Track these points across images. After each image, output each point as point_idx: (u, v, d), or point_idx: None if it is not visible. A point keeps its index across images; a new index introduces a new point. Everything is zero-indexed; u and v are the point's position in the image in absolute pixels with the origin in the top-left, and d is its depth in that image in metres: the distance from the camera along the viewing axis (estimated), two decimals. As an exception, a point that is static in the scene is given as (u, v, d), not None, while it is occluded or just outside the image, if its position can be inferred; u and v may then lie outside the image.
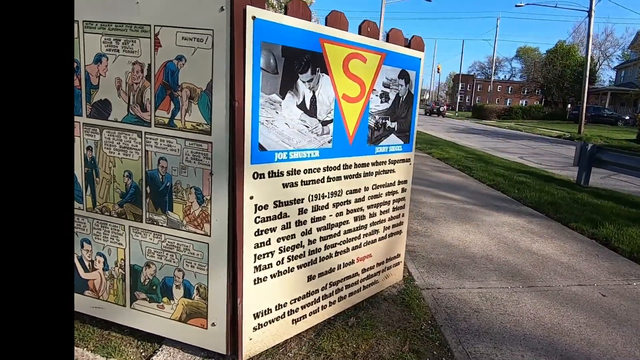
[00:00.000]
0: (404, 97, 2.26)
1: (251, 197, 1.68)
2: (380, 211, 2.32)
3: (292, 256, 1.89)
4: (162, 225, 1.79)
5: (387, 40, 2.13)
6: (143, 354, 1.89)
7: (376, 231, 2.33)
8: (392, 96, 2.18)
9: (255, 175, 1.67)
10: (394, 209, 2.43)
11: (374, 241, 2.33)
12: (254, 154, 1.65)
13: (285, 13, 1.69)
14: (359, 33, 1.98)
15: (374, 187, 2.23)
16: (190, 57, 1.60)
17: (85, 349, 1.89)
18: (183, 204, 1.73)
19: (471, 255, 3.28)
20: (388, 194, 2.34)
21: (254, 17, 1.53)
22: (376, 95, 2.09)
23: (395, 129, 2.26)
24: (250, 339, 1.81)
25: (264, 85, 1.62)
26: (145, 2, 1.63)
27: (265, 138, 1.68)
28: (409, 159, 2.44)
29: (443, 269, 2.95)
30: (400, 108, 2.26)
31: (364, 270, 2.32)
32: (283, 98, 1.70)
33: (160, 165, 1.77)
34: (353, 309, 2.31)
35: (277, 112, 1.70)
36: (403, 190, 2.46)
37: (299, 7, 1.69)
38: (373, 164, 2.18)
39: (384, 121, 2.17)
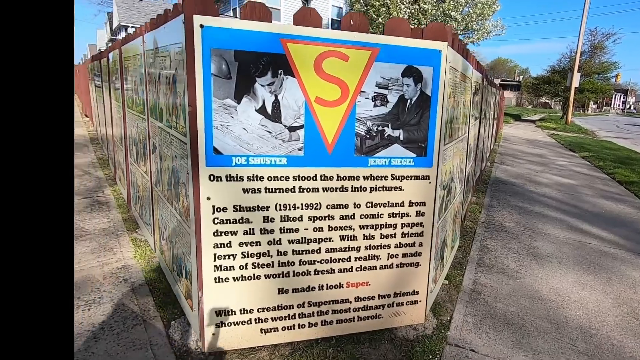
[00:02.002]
0: (414, 99, 2.09)
1: (208, 198, 1.99)
2: (382, 234, 2.22)
3: (258, 264, 2.11)
4: (176, 212, 2.41)
5: (384, 32, 2.04)
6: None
7: (376, 257, 2.24)
8: (392, 99, 2.06)
9: (212, 177, 1.97)
10: (405, 235, 2.26)
11: (372, 268, 2.25)
12: (209, 157, 1.95)
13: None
14: (340, 28, 1.99)
15: (369, 205, 2.16)
16: (177, 68, 2.08)
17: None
18: (181, 196, 2.28)
19: (561, 320, 2.71)
20: (393, 215, 2.22)
21: (201, 25, 1.81)
22: (366, 98, 2.02)
23: (401, 138, 2.12)
24: (213, 334, 2.15)
25: (216, 90, 1.89)
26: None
27: (221, 142, 1.95)
28: (428, 175, 2.23)
29: (500, 327, 2.57)
30: (408, 113, 2.10)
31: (358, 299, 2.27)
32: (239, 102, 1.92)
33: (174, 161, 2.38)
34: (345, 338, 2.34)
35: (232, 117, 1.93)
36: (419, 214, 2.26)
37: (253, 9, 1.87)
38: (366, 178, 2.12)
39: (380, 128, 2.07)
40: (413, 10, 17.82)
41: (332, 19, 25.49)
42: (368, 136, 2.09)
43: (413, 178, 2.23)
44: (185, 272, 2.37)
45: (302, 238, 2.15)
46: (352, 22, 1.97)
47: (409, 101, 2.10)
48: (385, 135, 2.10)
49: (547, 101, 56.60)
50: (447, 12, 17.79)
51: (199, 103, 1.92)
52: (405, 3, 17.83)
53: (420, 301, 2.43)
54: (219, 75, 1.90)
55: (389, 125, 2.10)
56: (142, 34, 3.09)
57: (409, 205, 2.26)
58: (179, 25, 1.93)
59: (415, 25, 17.83)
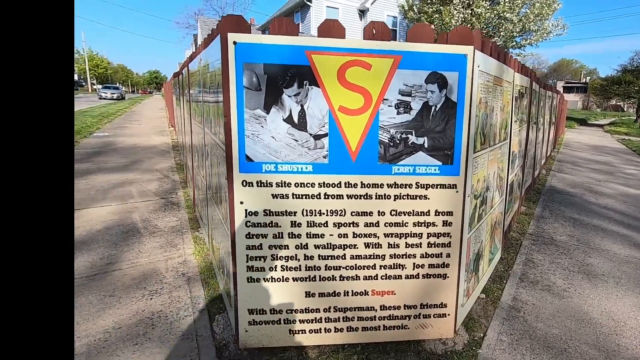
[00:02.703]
0: (439, 106, 2.03)
1: (241, 202, 2.08)
2: (407, 244, 2.17)
3: (286, 267, 2.15)
4: (221, 214, 2.52)
5: (407, 40, 2.01)
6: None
7: (401, 266, 2.19)
8: (416, 106, 2.01)
9: (244, 183, 2.06)
10: (431, 245, 2.19)
11: (397, 277, 2.20)
12: (241, 164, 2.03)
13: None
14: (364, 37, 1.99)
15: (394, 213, 2.12)
16: (219, 82, 2.15)
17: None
18: (223, 200, 2.37)
19: (612, 348, 2.42)
20: (418, 224, 2.16)
21: (234, 42, 1.92)
22: (389, 106, 2.00)
23: (425, 146, 2.06)
24: (246, 331, 2.22)
25: (248, 102, 1.97)
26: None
27: (252, 150, 2.03)
28: (455, 184, 2.14)
29: (538, 350, 2.36)
30: (433, 120, 2.04)
31: (383, 308, 2.23)
32: (268, 113, 1.99)
33: (218, 167, 2.46)
34: (372, 346, 2.29)
35: (262, 126, 2.00)
36: (446, 223, 2.18)
37: (281, 24, 1.95)
38: (390, 186, 2.09)
39: (404, 136, 2.03)
40: (466, 15, 17.08)
41: (390, 29, 25.21)
42: (391, 144, 2.01)
43: (439, 187, 2.15)
44: (226, 270, 2.45)
45: (327, 244, 2.17)
46: (374, 31, 1.93)
47: (433, 108, 2.00)
48: (409, 142, 2.00)
49: (618, 103, 51.25)
50: (501, 14, 16.87)
51: (233, 114, 1.97)
52: (457, 8, 17.11)
53: (448, 314, 2.33)
54: (250, 87, 1.93)
55: (413, 132, 2.02)
56: (199, 53, 3.19)
57: (435, 215, 2.18)
58: (218, 43, 2.00)
59: None
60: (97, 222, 4.34)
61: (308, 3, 23.41)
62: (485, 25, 17.23)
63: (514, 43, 18.26)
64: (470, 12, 16.98)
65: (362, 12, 24.85)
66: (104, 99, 38.26)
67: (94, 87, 65.54)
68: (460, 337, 2.42)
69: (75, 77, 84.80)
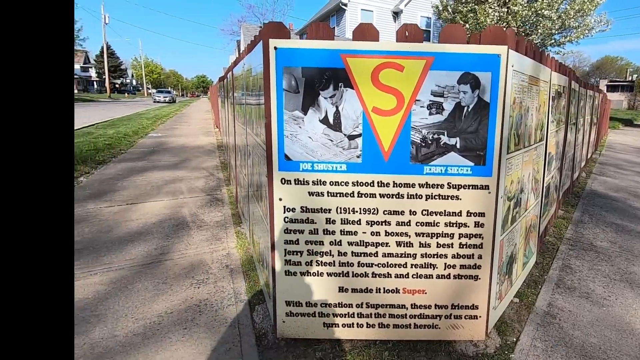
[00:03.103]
0: (471, 106, 1.95)
1: (280, 199, 2.12)
2: (438, 243, 2.11)
3: (321, 261, 2.17)
4: (261, 210, 2.58)
5: (439, 41, 1.95)
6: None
7: (432, 266, 2.13)
8: (448, 106, 1.95)
9: (283, 180, 2.09)
10: (463, 246, 2.11)
11: (429, 276, 2.15)
12: (280, 163, 2.07)
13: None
14: (397, 40, 1.95)
15: (425, 212, 2.07)
16: (260, 85, 2.20)
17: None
18: (263, 197, 2.41)
19: None
20: (450, 224, 2.09)
21: (275, 48, 1.95)
22: (421, 107, 1.95)
23: (458, 147, 1.99)
24: (284, 322, 2.26)
25: (287, 104, 2.00)
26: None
27: (290, 149, 2.06)
28: (487, 185, 2.05)
29: (574, 359, 2.22)
30: (465, 120, 1.96)
31: (414, 306, 2.19)
32: (305, 114, 2.00)
33: (259, 166, 2.51)
34: (403, 344, 2.25)
35: (299, 127, 2.02)
36: (478, 224, 2.09)
37: (318, 29, 1.96)
38: (421, 186, 2.04)
39: (436, 136, 1.98)
40: (501, 14, 16.17)
41: (422, 30, 24.58)
42: (423, 144, 1.98)
43: (471, 187, 2.08)
44: (265, 263, 2.50)
45: (360, 241, 2.15)
46: (407, 34, 1.91)
47: (465, 108, 1.95)
48: (441, 143, 1.96)
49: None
50: (539, 11, 15.81)
51: (273, 115, 2.01)
52: (493, 6, 16.26)
53: (480, 316, 2.24)
54: (289, 90, 1.97)
55: (445, 133, 1.98)
56: (242, 58, 3.27)
57: (467, 216, 2.11)
58: (260, 48, 2.05)
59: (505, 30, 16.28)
60: (152, 216, 4.55)
61: (343, 7, 23.34)
62: (521, 24, 16.30)
63: (553, 41, 17.14)
64: (506, 10, 16.13)
65: (396, 14, 24.46)
66: (158, 102, 39.98)
67: (149, 91, 68.55)
68: (492, 340, 2.32)
69: (133, 82, 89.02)
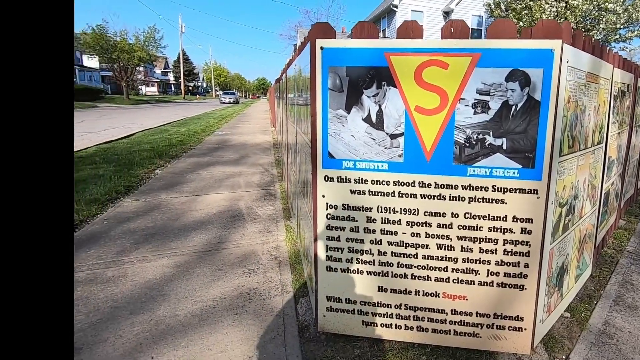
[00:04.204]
0: (520, 105, 1.73)
1: (323, 196, 2.06)
2: (481, 249, 1.92)
3: (361, 259, 2.07)
4: (306, 206, 2.55)
5: (487, 37, 1.74)
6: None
7: (474, 271, 1.95)
8: (494, 105, 1.75)
9: (326, 178, 2.02)
10: (508, 253, 1.90)
11: (470, 282, 1.97)
12: (324, 160, 2.01)
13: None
14: (442, 37, 1.79)
15: (468, 216, 1.89)
16: (308, 85, 2.20)
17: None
18: (308, 193, 2.37)
19: None
20: (494, 229, 1.89)
21: (322, 48, 1.89)
22: (466, 106, 1.77)
23: (504, 148, 1.78)
24: (324, 316, 2.20)
25: (331, 102, 1.93)
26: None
27: (334, 147, 1.98)
28: (536, 190, 1.82)
29: None
30: (513, 120, 1.75)
31: (454, 312, 2.02)
32: (349, 112, 1.92)
33: (306, 164, 2.47)
34: (441, 350, 2.10)
35: (343, 125, 1.94)
36: (525, 231, 1.87)
37: (363, 29, 1.86)
38: (464, 188, 1.86)
39: (481, 137, 1.79)
40: (559, 9, 14.67)
41: (472, 29, 23.10)
42: (467, 144, 1.81)
43: (518, 191, 1.86)
44: (309, 257, 2.47)
45: (400, 241, 2.03)
46: (452, 30, 1.75)
47: (513, 107, 1.75)
48: (486, 144, 1.78)
49: None
50: (602, 5, 14.21)
51: (318, 113, 1.96)
52: (549, 2, 14.81)
53: (525, 329, 2.01)
54: (333, 89, 1.92)
55: (491, 133, 1.79)
56: (294, 60, 3.26)
57: (513, 221, 1.89)
58: (308, 49, 2.01)
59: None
60: (214, 207, 4.71)
61: (394, 9, 22.73)
62: (581, 19, 14.73)
63: (617, 36, 15.29)
64: (564, 5, 14.62)
65: (447, 14, 23.35)
66: (224, 102, 41.77)
67: (217, 92, 71.65)
68: (538, 356, 2.08)
69: (204, 84, 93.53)
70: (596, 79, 2.29)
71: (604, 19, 14.45)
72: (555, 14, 14.54)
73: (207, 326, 2.38)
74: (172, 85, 76.43)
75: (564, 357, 2.08)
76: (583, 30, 14.67)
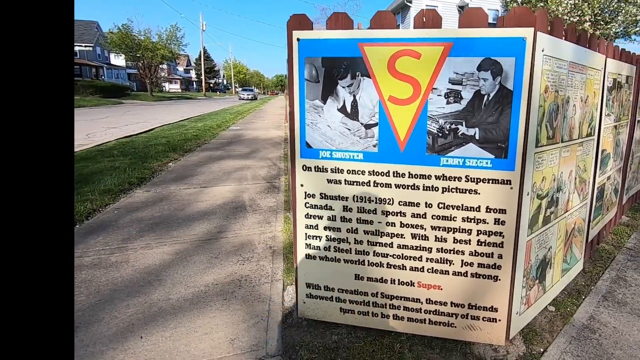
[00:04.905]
0: (492, 94, 1.68)
1: (302, 185, 2.07)
2: (455, 239, 1.89)
3: (338, 248, 2.08)
4: None
5: (459, 26, 1.69)
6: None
7: (448, 261, 1.92)
8: (467, 95, 1.71)
9: (304, 167, 2.03)
10: (481, 244, 1.86)
11: (444, 272, 1.94)
12: (302, 150, 2.01)
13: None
14: (414, 26, 1.75)
15: (441, 206, 1.86)
16: None
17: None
18: None
19: None
20: (467, 220, 1.85)
21: (298, 39, 1.89)
22: (439, 95, 1.74)
23: (477, 138, 1.74)
24: (304, 303, 2.23)
25: (308, 93, 1.93)
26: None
27: (311, 137, 1.98)
28: (509, 180, 1.77)
29: None
30: (485, 110, 1.70)
31: (429, 301, 2.00)
32: (325, 103, 1.91)
33: None
34: (417, 338, 2.08)
35: (319, 116, 1.94)
36: (498, 222, 1.82)
37: (337, 19, 1.84)
38: (438, 178, 1.83)
39: (453, 126, 1.75)
40: (576, 1, 14.01)
41: (488, 23, 22.43)
42: (440, 134, 1.78)
43: (491, 182, 1.82)
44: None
45: (375, 230, 2.02)
46: (424, 19, 1.73)
47: (486, 97, 1.71)
48: (459, 133, 1.75)
49: None
50: None
51: (296, 104, 1.96)
52: None
53: (499, 320, 1.97)
54: (310, 79, 1.91)
55: (463, 123, 1.75)
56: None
57: (486, 212, 1.86)
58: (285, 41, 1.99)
59: (578, 18, 13.89)
60: (219, 198, 4.79)
61: (408, 4, 22.37)
62: (599, 11, 14.03)
63: (638, 28, 14.65)
64: None
65: (462, 8, 22.81)
66: (242, 99, 42.16)
67: (237, 89, 72.36)
68: (515, 348, 2.03)
69: (224, 81, 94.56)
70: (582, 69, 2.20)
71: (623, 11, 13.78)
72: (573, 6, 13.88)
73: (197, 310, 2.43)
74: (194, 82, 77.57)
75: (541, 349, 2.03)
76: (601, 22, 14.04)
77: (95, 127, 12.51)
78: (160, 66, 40.04)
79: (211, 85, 79.68)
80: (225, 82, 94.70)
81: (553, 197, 2.14)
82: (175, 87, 66.43)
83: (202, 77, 56.18)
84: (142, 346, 2.12)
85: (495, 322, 1.95)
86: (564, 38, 1.95)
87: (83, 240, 3.52)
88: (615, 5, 14.07)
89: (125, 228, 3.83)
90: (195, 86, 76.64)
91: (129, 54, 35.31)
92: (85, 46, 46.87)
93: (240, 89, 58.78)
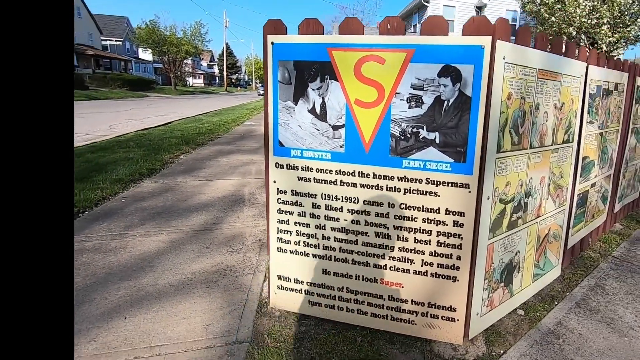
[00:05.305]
0: (452, 100, 1.70)
1: (274, 181, 2.14)
2: (415, 239, 1.91)
3: (307, 243, 2.14)
4: None
5: (421, 33, 1.71)
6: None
7: (409, 260, 1.95)
8: (427, 100, 1.73)
9: (277, 165, 2.11)
10: (441, 245, 1.89)
11: (406, 271, 1.97)
12: (275, 148, 2.09)
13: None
14: (379, 33, 1.78)
15: (403, 206, 1.89)
16: None
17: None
18: None
19: None
20: (428, 221, 1.88)
21: (272, 43, 1.95)
22: (401, 100, 1.76)
23: (437, 142, 1.76)
24: (275, 294, 2.30)
25: (281, 94, 1.99)
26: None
27: (283, 136, 2.05)
28: (467, 184, 1.78)
29: None
30: (445, 115, 1.72)
31: (391, 298, 2.03)
32: (296, 104, 1.97)
33: None
34: (380, 334, 2.12)
35: (291, 116, 2.00)
36: (457, 224, 1.84)
37: (308, 25, 1.89)
38: (400, 179, 1.86)
39: (415, 130, 1.77)
40: (595, 3, 13.42)
41: (510, 25, 21.65)
42: (403, 137, 1.81)
43: (450, 185, 1.84)
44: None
45: (342, 227, 2.07)
46: (389, 26, 1.75)
47: (445, 102, 1.73)
48: (420, 137, 1.77)
49: None
50: None
51: (270, 104, 2.02)
52: None
53: (457, 320, 1.99)
54: (283, 81, 1.96)
55: (424, 127, 1.78)
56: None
57: (446, 214, 1.88)
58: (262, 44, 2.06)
59: (595, 21, 13.28)
60: (221, 191, 4.91)
61: (425, 4, 22.00)
62: (619, 14, 13.40)
63: None
64: None
65: (479, 9, 22.22)
66: (261, 95, 42.46)
67: (257, 85, 73.00)
68: (475, 348, 2.04)
69: (245, 77, 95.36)
70: (556, 76, 2.17)
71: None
72: (591, 8, 13.34)
73: (180, 295, 2.53)
74: (217, 78, 78.67)
75: (501, 351, 2.03)
76: (621, 25, 13.45)
77: (118, 119, 12.92)
78: (184, 61, 40.76)
79: (233, 80, 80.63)
80: (246, 78, 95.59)
81: (521, 202, 2.13)
82: (198, 82, 67.51)
83: (224, 72, 56.91)
84: (124, 326, 2.23)
85: (454, 321, 1.97)
86: (532, 46, 1.94)
87: (89, 226, 3.69)
88: (637, 8, 13.44)
89: (129, 216, 3.98)
90: (217, 81, 77.74)
91: (155, 48, 36.11)
92: (116, 40, 48.19)
93: (260, 84, 59.25)
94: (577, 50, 2.34)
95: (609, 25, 13.12)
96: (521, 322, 2.30)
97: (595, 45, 14.06)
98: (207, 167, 6.27)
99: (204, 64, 76.38)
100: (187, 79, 57.50)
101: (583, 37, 14.16)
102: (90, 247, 3.26)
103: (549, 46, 2.08)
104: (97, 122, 11.99)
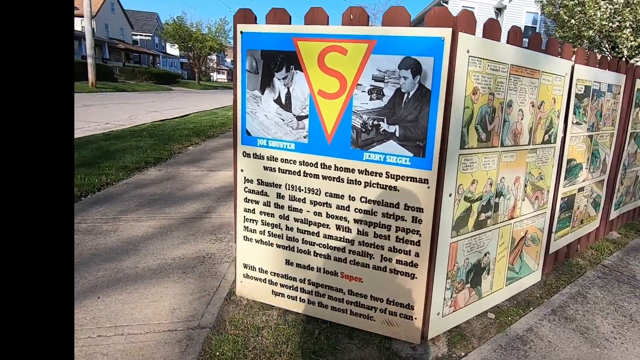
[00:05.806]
0: (412, 93, 1.61)
1: (242, 170, 2.11)
2: (375, 233, 1.84)
3: (272, 233, 2.10)
4: None
5: (382, 24, 1.63)
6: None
7: (369, 255, 1.88)
8: (388, 92, 1.65)
9: (244, 153, 2.07)
10: (400, 240, 1.81)
11: (365, 265, 1.90)
12: (243, 137, 2.05)
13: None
14: (342, 23, 1.71)
15: (363, 200, 1.82)
16: None
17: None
18: None
19: None
20: (387, 216, 1.80)
21: (241, 32, 1.92)
22: (362, 91, 1.69)
23: (397, 135, 1.68)
24: (241, 282, 2.28)
25: (249, 83, 1.96)
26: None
27: (250, 125, 2.01)
28: (426, 179, 1.69)
29: None
30: (405, 108, 1.63)
31: (351, 293, 1.97)
32: (262, 93, 1.93)
33: None
34: (340, 328, 2.06)
35: (258, 105, 1.96)
36: (416, 220, 1.75)
37: (275, 14, 1.85)
38: (361, 172, 1.79)
39: (376, 122, 1.70)
40: (617, 6, 12.75)
41: (525, 26, 20.91)
42: (364, 130, 1.75)
43: (409, 179, 1.76)
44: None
45: (304, 219, 2.03)
46: (352, 17, 1.69)
47: (406, 95, 1.65)
48: (381, 130, 1.71)
49: None
50: None
51: (238, 93, 1.99)
52: None
53: (415, 318, 1.91)
54: (250, 70, 1.93)
55: (385, 119, 1.71)
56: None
57: (405, 209, 1.80)
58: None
59: (617, 24, 12.64)
60: (218, 182, 4.92)
61: (444, 4, 21.54)
62: None
63: None
64: (623, 1, 12.64)
65: (499, 10, 21.57)
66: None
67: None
68: (436, 349, 1.96)
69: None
70: (533, 72, 2.03)
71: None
72: (613, 11, 12.67)
73: (155, 279, 2.54)
74: (241, 74, 78.98)
75: (462, 354, 1.94)
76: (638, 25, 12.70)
77: (139, 110, 13.17)
78: (209, 57, 41.28)
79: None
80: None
81: (490, 202, 2.02)
82: (222, 77, 68.29)
83: (247, 69, 57.10)
84: (95, 306, 2.25)
85: (412, 320, 1.89)
86: (505, 40, 1.82)
87: (86, 209, 3.76)
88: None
89: (127, 201, 4.03)
90: (241, 78, 78.01)
91: (181, 44, 36.71)
92: (146, 36, 49.24)
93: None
94: (560, 48, 2.20)
95: (631, 29, 12.49)
96: (490, 326, 2.20)
97: (616, 49, 13.44)
98: (212, 159, 6.31)
99: (228, 60, 77.18)
100: (211, 74, 58.26)
101: (604, 41, 13.55)
102: (83, 228, 3.31)
103: (528, 42, 1.95)
104: (119, 112, 12.25)
